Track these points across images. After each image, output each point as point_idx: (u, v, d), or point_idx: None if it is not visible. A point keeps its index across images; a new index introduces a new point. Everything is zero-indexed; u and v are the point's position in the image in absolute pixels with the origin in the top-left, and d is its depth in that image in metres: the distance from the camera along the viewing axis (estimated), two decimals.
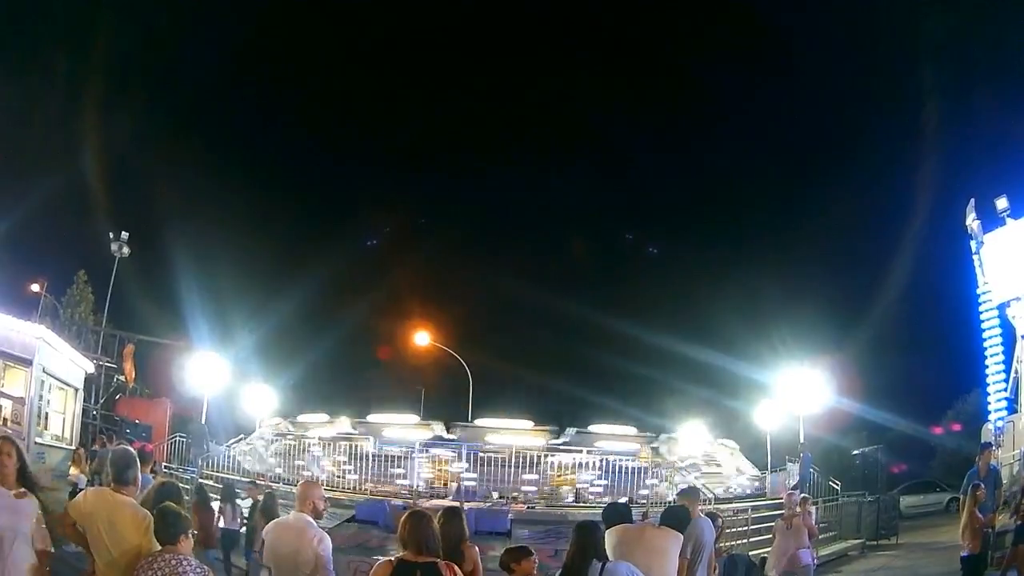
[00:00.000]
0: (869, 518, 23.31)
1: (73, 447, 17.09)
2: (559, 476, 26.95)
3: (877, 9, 48.33)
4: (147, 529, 5.88)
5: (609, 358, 44.73)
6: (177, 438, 27.51)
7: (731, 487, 26.59)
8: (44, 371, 15.60)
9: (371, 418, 29.48)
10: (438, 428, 28.74)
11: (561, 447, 27.63)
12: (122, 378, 30.04)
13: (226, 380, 29.13)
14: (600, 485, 25.97)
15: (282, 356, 38.91)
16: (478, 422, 30.22)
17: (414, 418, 29.67)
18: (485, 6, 72.76)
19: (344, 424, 29.02)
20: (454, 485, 26.00)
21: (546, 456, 26.91)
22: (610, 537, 6.59)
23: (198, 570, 5.73)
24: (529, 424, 29.67)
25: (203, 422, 27.56)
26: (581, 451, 27.22)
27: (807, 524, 13.41)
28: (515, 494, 25.17)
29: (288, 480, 25.95)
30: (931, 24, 44.81)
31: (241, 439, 29.15)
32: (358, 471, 26.45)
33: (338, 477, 26.77)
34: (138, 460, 6.65)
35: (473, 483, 25.78)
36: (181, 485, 8.04)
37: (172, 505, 5.95)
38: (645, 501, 23.32)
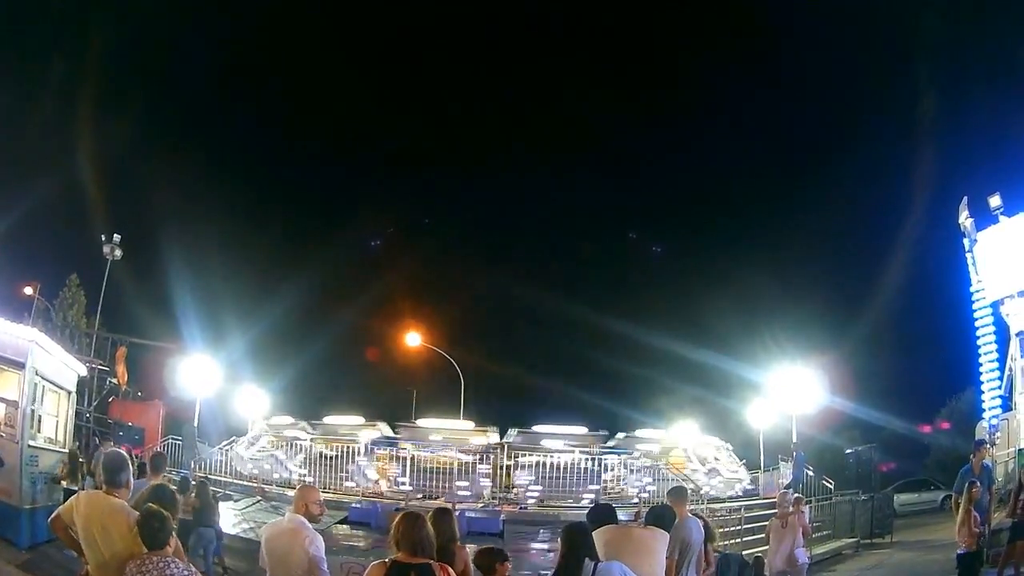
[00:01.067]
0: (863, 517, 23.35)
1: (66, 450, 17.00)
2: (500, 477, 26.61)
3: (872, 8, 48.42)
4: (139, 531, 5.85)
5: (601, 357, 44.82)
6: (170, 440, 27.49)
7: (703, 488, 26.32)
8: (37, 374, 15.51)
9: (326, 420, 29.42)
10: (384, 428, 28.50)
11: (496, 447, 27.18)
12: (115, 381, 30.02)
13: (218, 382, 29.10)
14: (536, 489, 25.68)
15: (274, 358, 38.96)
16: (420, 422, 29.99)
17: (360, 419, 29.39)
18: (485, 7, 72.85)
19: (307, 426, 28.88)
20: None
21: (484, 458, 26.58)
22: (596, 538, 6.57)
23: (185, 572, 5.73)
24: (470, 424, 29.68)
25: (194, 424, 27.54)
26: (525, 453, 26.83)
27: (801, 523, 13.44)
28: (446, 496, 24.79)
29: (267, 482, 26.03)
30: (925, 23, 45.01)
31: (233, 441, 29.03)
32: (313, 473, 26.28)
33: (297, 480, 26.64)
34: (129, 463, 6.63)
35: (408, 486, 25.52)
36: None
37: (154, 508, 5.92)
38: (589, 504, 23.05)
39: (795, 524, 13.27)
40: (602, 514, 7.56)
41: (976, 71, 43.63)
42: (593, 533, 6.61)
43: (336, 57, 68.08)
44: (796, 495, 15.01)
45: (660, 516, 7.92)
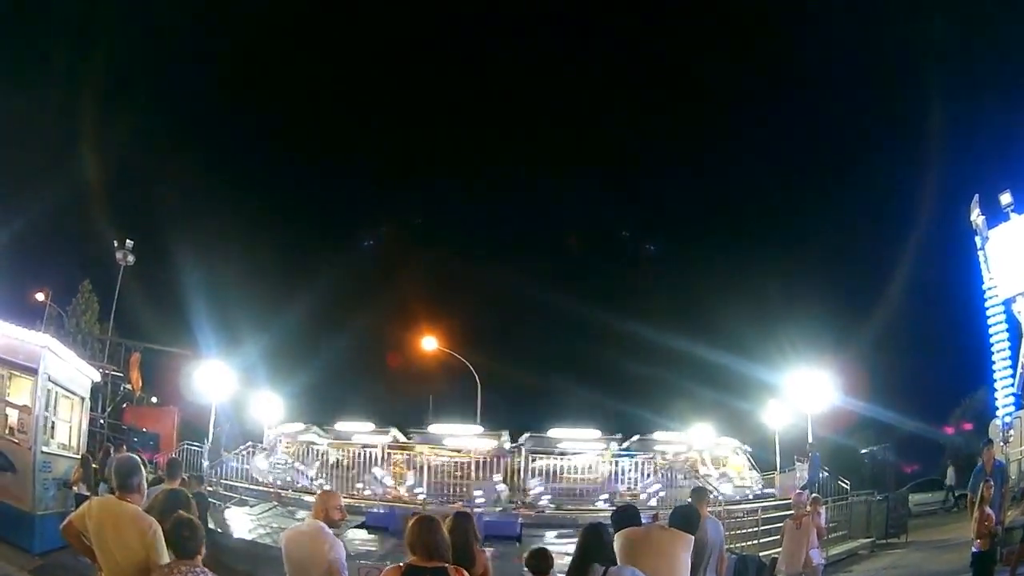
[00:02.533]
0: (879, 517, 23.21)
1: (79, 456, 17.03)
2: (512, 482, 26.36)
3: (882, 8, 48.30)
4: (154, 536, 5.81)
5: (617, 360, 44.70)
6: (185, 446, 27.45)
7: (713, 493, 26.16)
8: (50, 380, 15.55)
9: (338, 426, 29.07)
10: (397, 433, 28.05)
11: (511, 452, 26.93)
12: (129, 387, 30.11)
13: (233, 388, 29.03)
14: (549, 495, 25.47)
15: (289, 363, 38.92)
16: (432, 428, 29.48)
17: (370, 425, 29.13)
18: (486, 9, 72.78)
19: (313, 433, 28.68)
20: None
21: (496, 461, 26.33)
22: (617, 540, 6.53)
23: None
24: (479, 429, 29.29)
25: (215, 430, 27.51)
26: (539, 456, 26.57)
27: (816, 524, 13.37)
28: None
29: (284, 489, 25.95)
30: (936, 22, 44.84)
31: (250, 447, 28.96)
32: (330, 480, 26.13)
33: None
34: (142, 467, 6.61)
35: (422, 495, 25.32)
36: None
37: (184, 516, 5.85)
38: (604, 507, 22.91)
39: (810, 524, 13.21)
40: (625, 516, 7.50)
41: (985, 69, 43.43)
42: (615, 536, 6.57)
43: (339, 62, 68.48)
44: (814, 495, 14.94)
45: (686, 517, 7.73)
